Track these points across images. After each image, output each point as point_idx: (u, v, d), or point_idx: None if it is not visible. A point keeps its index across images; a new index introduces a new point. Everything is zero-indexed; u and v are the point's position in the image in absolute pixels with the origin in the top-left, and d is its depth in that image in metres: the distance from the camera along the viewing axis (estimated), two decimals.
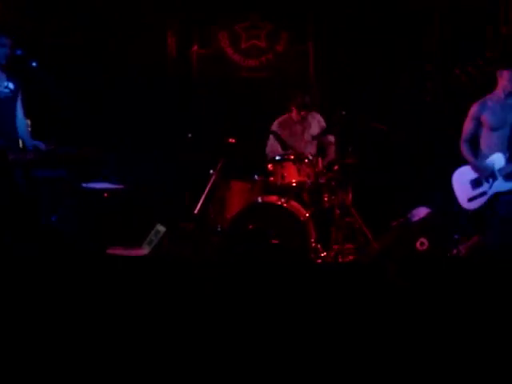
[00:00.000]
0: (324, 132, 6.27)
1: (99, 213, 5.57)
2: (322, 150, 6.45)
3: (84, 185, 5.40)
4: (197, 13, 7.59)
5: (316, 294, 3.58)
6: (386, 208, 6.50)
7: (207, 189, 5.98)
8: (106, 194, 5.70)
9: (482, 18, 6.91)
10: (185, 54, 7.73)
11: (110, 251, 5.34)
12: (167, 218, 5.99)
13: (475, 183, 5.26)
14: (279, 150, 6.23)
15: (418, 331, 3.16)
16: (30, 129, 5.35)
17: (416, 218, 5.84)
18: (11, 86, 5.00)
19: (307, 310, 3.36)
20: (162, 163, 7.21)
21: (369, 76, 7.38)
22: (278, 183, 5.83)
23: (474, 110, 5.29)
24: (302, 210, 5.69)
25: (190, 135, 6.47)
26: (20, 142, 5.15)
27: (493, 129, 5.18)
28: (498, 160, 5.13)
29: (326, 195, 5.98)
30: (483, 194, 5.20)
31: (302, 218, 5.58)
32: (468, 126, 5.33)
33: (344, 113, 5.95)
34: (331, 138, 6.39)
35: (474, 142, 5.34)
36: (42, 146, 5.00)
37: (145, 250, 5.66)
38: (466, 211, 5.33)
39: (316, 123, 6.37)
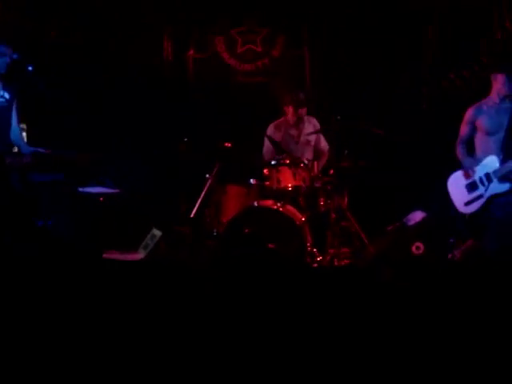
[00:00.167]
0: (319, 132, 6.29)
1: (95, 217, 5.57)
2: (317, 155, 6.45)
3: (80, 189, 5.39)
4: (193, 17, 7.60)
5: (312, 298, 3.58)
6: (381, 212, 6.51)
7: (203, 193, 5.99)
8: (101, 199, 5.69)
9: (480, 20, 6.93)
10: (181, 59, 7.74)
11: (106, 255, 5.33)
12: (163, 222, 6.00)
13: (471, 187, 5.27)
14: (274, 153, 6.23)
15: (414, 335, 3.16)
16: (25, 133, 5.35)
17: (412, 222, 5.85)
18: (7, 95, 5.01)
19: (303, 314, 3.36)
20: (158, 167, 7.21)
21: (365, 79, 7.38)
22: (273, 187, 5.82)
23: (469, 114, 5.31)
24: (298, 215, 5.70)
25: (186, 139, 6.47)
26: (16, 149, 5.17)
27: (488, 133, 5.20)
28: (491, 163, 5.15)
29: (322, 199, 5.97)
30: (480, 196, 5.21)
31: (297, 223, 5.58)
32: (463, 130, 5.36)
33: (339, 117, 5.96)
34: (324, 147, 6.40)
35: (470, 146, 5.36)
36: (40, 150, 5.02)
37: (141, 254, 5.66)
38: (462, 215, 5.34)
39: (312, 127, 6.36)
